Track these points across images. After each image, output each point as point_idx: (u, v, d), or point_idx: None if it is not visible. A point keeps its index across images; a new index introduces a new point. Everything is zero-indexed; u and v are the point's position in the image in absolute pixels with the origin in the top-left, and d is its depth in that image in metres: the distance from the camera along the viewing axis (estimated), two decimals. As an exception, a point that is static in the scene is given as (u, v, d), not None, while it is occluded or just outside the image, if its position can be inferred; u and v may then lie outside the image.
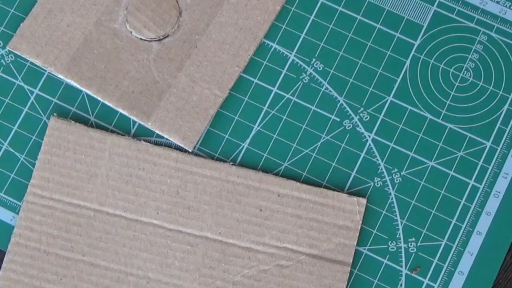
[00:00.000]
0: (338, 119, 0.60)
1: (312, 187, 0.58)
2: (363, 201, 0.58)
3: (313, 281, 0.57)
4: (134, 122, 0.60)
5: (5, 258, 0.57)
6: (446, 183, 0.59)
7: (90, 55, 0.61)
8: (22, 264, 0.57)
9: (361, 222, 0.58)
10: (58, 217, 0.58)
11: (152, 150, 0.59)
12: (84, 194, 0.58)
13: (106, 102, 0.60)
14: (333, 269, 0.58)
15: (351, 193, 0.59)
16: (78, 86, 0.60)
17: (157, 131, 0.60)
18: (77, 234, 0.58)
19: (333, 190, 0.59)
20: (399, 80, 0.61)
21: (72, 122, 0.59)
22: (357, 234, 0.58)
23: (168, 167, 0.59)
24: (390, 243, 0.59)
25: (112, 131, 0.60)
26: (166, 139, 0.60)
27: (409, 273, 0.58)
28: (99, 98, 0.60)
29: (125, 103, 0.60)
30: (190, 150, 0.59)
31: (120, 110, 0.60)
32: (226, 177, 0.59)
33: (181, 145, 0.59)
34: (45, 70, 0.61)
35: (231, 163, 0.60)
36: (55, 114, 0.60)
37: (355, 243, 0.58)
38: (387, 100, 0.61)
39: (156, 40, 0.61)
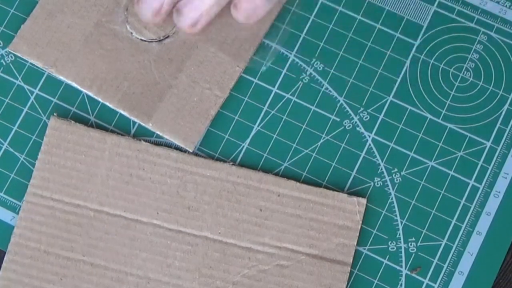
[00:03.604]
0: (338, 119, 0.60)
1: (312, 187, 0.58)
2: (363, 201, 0.58)
3: (313, 281, 0.57)
4: (135, 122, 0.60)
5: (5, 258, 0.57)
6: (446, 183, 0.59)
7: (90, 56, 0.60)
8: (22, 264, 0.57)
9: (361, 222, 0.58)
10: (58, 217, 0.58)
11: (152, 150, 0.59)
12: (84, 194, 0.58)
13: (107, 103, 0.60)
14: (333, 269, 0.57)
15: (351, 193, 0.59)
16: (78, 87, 0.60)
17: (157, 132, 0.60)
18: (77, 234, 0.58)
19: (333, 190, 0.59)
20: (399, 80, 0.61)
21: (72, 122, 0.59)
22: (357, 234, 0.58)
23: (168, 167, 0.59)
24: (390, 243, 0.59)
25: (112, 131, 0.60)
26: (166, 139, 0.60)
27: (409, 273, 0.58)
28: (99, 99, 0.60)
29: (125, 104, 0.60)
30: (191, 151, 0.59)
31: (121, 111, 0.60)
32: (226, 177, 0.59)
33: (182, 145, 0.59)
34: (45, 70, 0.61)
35: (231, 163, 0.59)
36: (55, 114, 0.60)
37: (355, 243, 0.58)
38: (387, 100, 0.61)
39: (156, 41, 0.61)
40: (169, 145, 0.60)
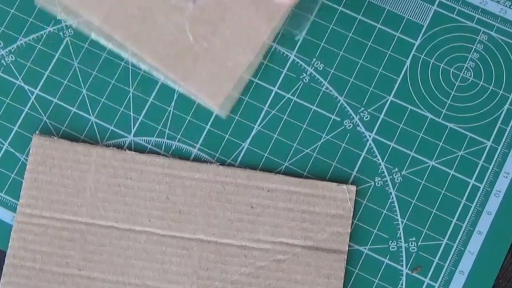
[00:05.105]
0: (338, 119, 0.60)
1: (301, 179, 0.58)
2: (353, 188, 0.58)
3: (311, 272, 0.57)
4: (135, 121, 0.60)
5: (1, 281, 0.57)
6: (447, 182, 0.59)
7: (123, 16, 0.59)
8: (19, 285, 0.57)
9: (353, 209, 0.58)
10: (50, 234, 0.58)
11: (138, 158, 0.59)
12: (74, 209, 0.58)
13: (141, 64, 0.59)
14: (330, 259, 0.58)
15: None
16: (112, 48, 0.60)
17: (191, 96, 0.59)
18: (71, 249, 0.58)
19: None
20: (399, 79, 0.61)
21: (55, 138, 0.59)
22: (350, 222, 0.58)
23: (155, 173, 0.59)
24: (391, 243, 0.59)
25: (113, 131, 0.60)
26: (168, 135, 0.60)
27: (409, 272, 0.58)
28: (133, 61, 0.59)
29: (160, 64, 0.59)
30: (223, 117, 0.59)
31: (160, 67, 0.59)
32: (214, 178, 0.59)
33: (216, 112, 0.59)
34: (45, 71, 0.61)
35: (218, 163, 0.59)
36: (37, 132, 0.60)
37: (349, 231, 0.58)
38: (387, 100, 0.61)
39: (191, 1, 0.59)
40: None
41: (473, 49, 0.61)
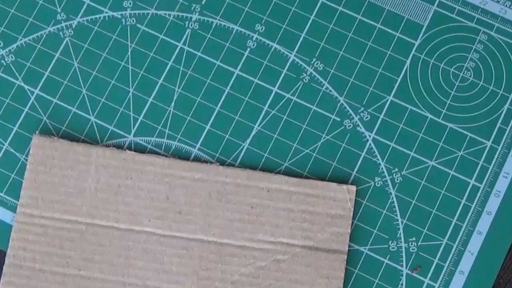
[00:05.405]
0: (338, 119, 0.60)
1: (300, 180, 0.58)
2: (353, 188, 0.58)
3: (311, 273, 0.57)
4: (135, 121, 0.60)
5: (1, 281, 0.57)
6: (447, 182, 0.59)
7: None
8: (19, 285, 0.57)
9: (353, 209, 0.58)
10: (50, 235, 0.58)
11: (138, 159, 0.59)
12: (74, 209, 0.58)
13: None
14: (330, 259, 0.58)
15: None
16: None
17: None
18: (71, 249, 0.58)
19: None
20: (399, 79, 0.61)
21: (55, 138, 0.59)
22: (350, 222, 0.58)
23: (155, 173, 0.59)
24: (391, 243, 0.59)
25: (113, 131, 0.60)
26: (168, 135, 0.60)
27: (409, 272, 0.58)
28: None
29: None
30: None
31: None
32: (214, 178, 0.59)
33: None
34: (45, 71, 0.61)
35: (218, 163, 0.59)
36: (37, 132, 0.60)
37: (349, 231, 0.58)
38: (387, 100, 0.61)
39: None
40: (154, 152, 0.60)
41: (473, 49, 0.61)
